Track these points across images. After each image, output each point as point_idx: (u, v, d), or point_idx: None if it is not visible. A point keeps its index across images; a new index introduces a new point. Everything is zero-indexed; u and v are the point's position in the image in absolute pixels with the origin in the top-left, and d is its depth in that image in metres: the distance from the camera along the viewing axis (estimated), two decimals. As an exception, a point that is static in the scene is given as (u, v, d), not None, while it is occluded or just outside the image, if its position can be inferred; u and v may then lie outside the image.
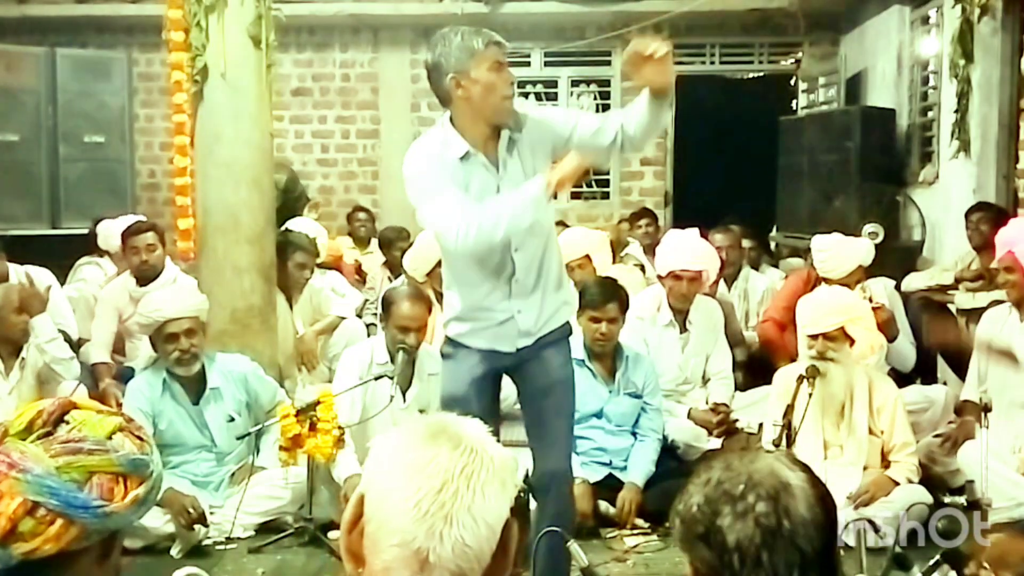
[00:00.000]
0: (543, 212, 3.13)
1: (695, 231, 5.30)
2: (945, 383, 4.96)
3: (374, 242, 7.97)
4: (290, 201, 7.30)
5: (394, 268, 6.80)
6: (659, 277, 5.22)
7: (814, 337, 4.15)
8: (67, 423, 1.42)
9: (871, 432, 4.25)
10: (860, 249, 5.16)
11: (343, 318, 5.93)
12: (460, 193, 3.04)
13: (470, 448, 1.30)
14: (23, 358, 4.56)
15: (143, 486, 1.44)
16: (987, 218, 5.36)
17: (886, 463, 4.28)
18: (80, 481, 1.38)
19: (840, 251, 5.13)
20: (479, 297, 3.20)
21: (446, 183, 3.04)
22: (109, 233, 6.26)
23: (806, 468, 1.41)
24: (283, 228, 6.05)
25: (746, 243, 6.41)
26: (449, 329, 3.31)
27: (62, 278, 6.15)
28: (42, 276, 5.82)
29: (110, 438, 1.43)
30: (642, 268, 6.69)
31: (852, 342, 4.19)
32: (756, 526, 1.32)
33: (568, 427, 3.40)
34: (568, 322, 3.36)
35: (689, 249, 5.12)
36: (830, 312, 4.17)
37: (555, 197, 3.04)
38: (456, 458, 1.28)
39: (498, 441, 1.37)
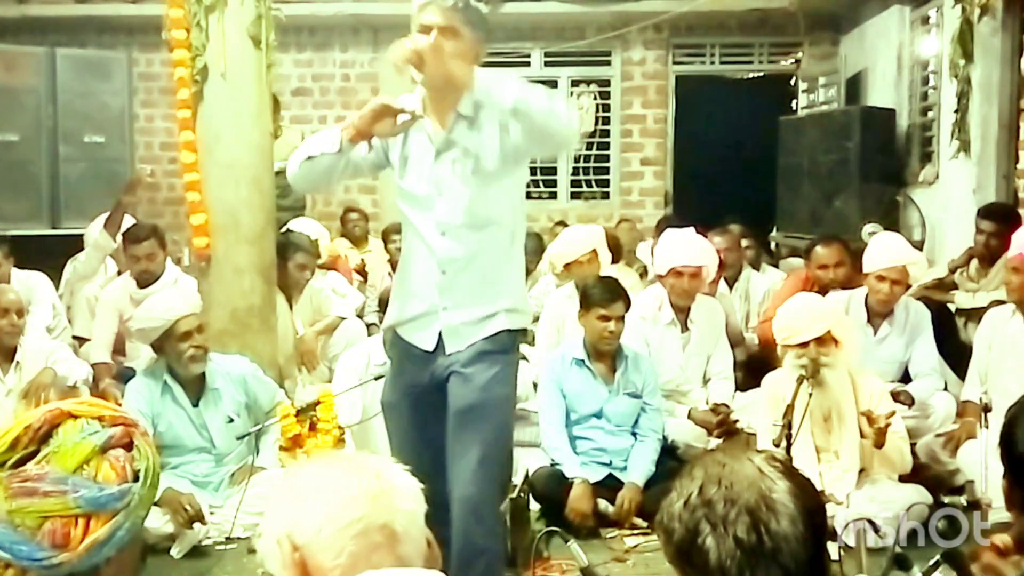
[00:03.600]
0: (485, 206, 2.97)
1: (691, 229, 5.31)
2: (946, 386, 4.95)
3: (374, 241, 7.99)
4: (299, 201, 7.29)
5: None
6: (659, 276, 5.22)
7: (803, 345, 4.12)
8: (55, 437, 1.35)
9: (863, 435, 4.22)
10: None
11: (343, 318, 5.94)
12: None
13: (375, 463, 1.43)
14: (18, 361, 4.54)
15: (108, 524, 1.33)
16: (998, 231, 5.20)
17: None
18: (32, 528, 1.30)
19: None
20: (410, 281, 3.07)
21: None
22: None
23: (793, 474, 1.37)
24: (284, 229, 6.05)
25: (744, 243, 6.40)
26: (386, 318, 3.19)
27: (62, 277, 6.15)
28: (34, 280, 5.83)
29: (81, 468, 1.34)
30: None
31: (837, 344, 4.17)
32: (736, 545, 1.30)
33: (486, 454, 2.99)
34: (509, 334, 3.05)
35: (687, 245, 5.12)
36: (817, 317, 4.14)
37: (369, 145, 2.94)
38: (362, 461, 1.42)
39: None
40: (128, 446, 1.40)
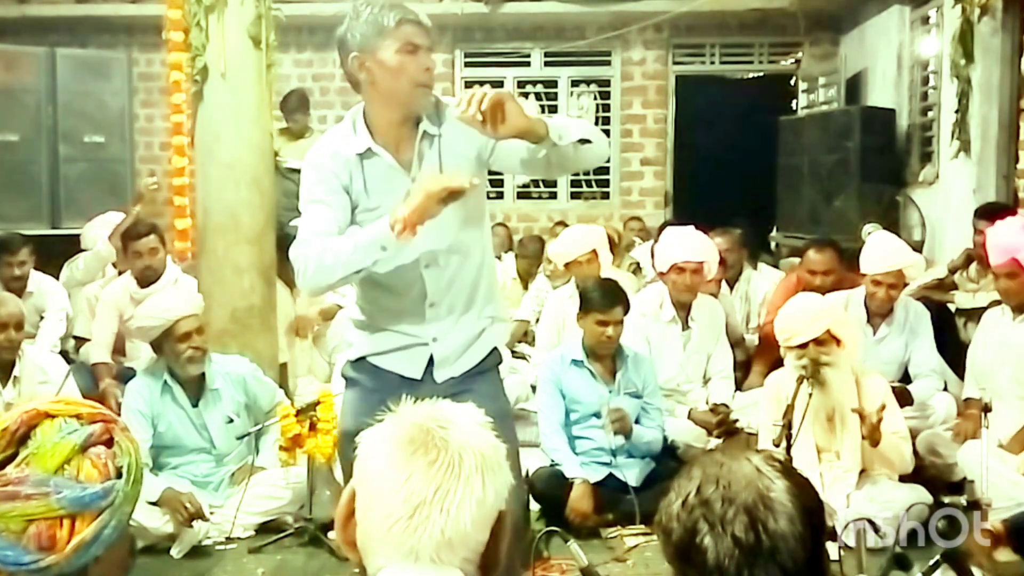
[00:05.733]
0: (467, 224, 2.71)
1: (691, 226, 5.32)
2: (945, 386, 4.95)
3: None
4: None
5: None
6: (660, 274, 5.22)
7: (803, 346, 4.10)
8: (33, 438, 1.33)
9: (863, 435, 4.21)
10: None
11: (341, 307, 5.95)
12: (328, 213, 2.59)
13: (447, 463, 1.31)
14: (16, 376, 4.43)
15: (94, 524, 1.31)
16: None
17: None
18: (17, 532, 1.29)
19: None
20: (388, 317, 2.76)
21: (322, 196, 2.61)
22: (96, 234, 6.27)
23: (792, 473, 1.37)
24: (290, 223, 6.07)
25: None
26: (352, 350, 2.84)
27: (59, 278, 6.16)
28: (48, 286, 5.85)
29: (62, 468, 1.32)
30: (638, 267, 6.73)
31: (838, 343, 4.17)
32: (734, 545, 1.30)
33: (511, 465, 2.91)
34: (497, 348, 2.89)
35: (688, 241, 5.14)
36: (816, 317, 4.13)
37: (413, 233, 2.44)
38: (430, 478, 1.31)
39: None
40: (109, 443, 1.37)
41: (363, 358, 2.81)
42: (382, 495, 1.31)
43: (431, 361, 2.76)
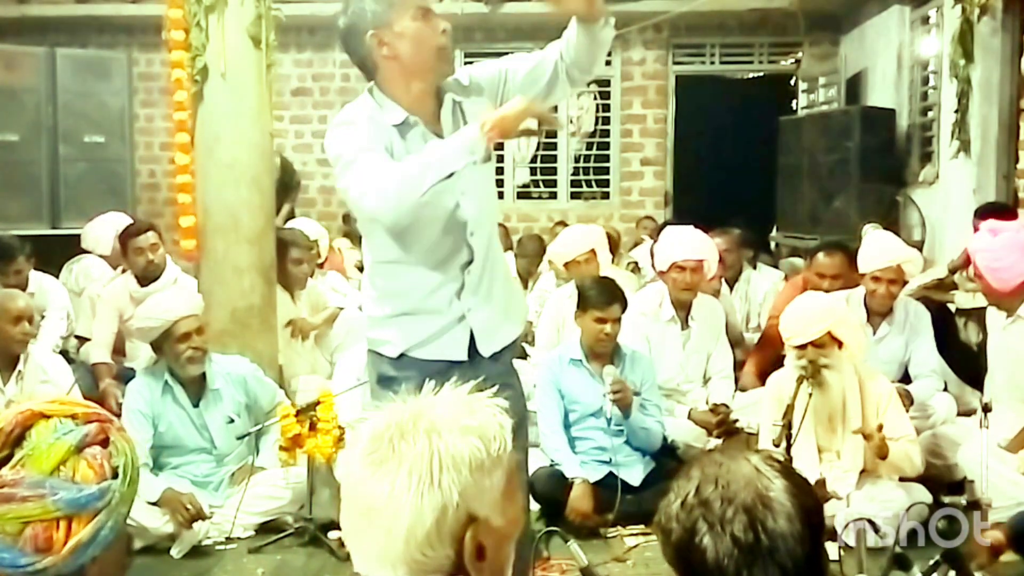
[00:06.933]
0: (493, 191, 2.79)
1: (690, 226, 5.33)
2: (946, 387, 4.95)
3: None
4: (286, 185, 7.31)
5: None
6: (660, 273, 5.22)
7: (802, 347, 4.09)
8: (28, 439, 1.32)
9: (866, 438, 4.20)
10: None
11: (342, 308, 5.95)
12: (382, 152, 2.55)
13: (385, 476, 1.29)
14: (20, 371, 4.42)
15: (90, 525, 1.31)
16: None
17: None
18: (13, 534, 1.28)
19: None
20: (424, 294, 2.71)
21: (371, 145, 2.56)
22: (97, 234, 6.27)
23: (790, 473, 1.37)
24: (287, 226, 6.06)
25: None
26: (386, 347, 2.75)
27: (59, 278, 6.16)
28: (49, 284, 5.84)
29: (58, 469, 1.31)
30: (636, 266, 6.74)
31: (840, 345, 4.16)
32: (733, 544, 1.30)
33: (525, 462, 2.97)
34: (518, 339, 2.89)
35: (687, 240, 5.15)
36: (815, 319, 4.11)
37: (494, 150, 2.48)
38: (368, 491, 1.30)
39: None
40: (104, 443, 1.37)
41: (403, 355, 2.73)
42: (343, 499, 1.33)
43: (472, 340, 2.73)
